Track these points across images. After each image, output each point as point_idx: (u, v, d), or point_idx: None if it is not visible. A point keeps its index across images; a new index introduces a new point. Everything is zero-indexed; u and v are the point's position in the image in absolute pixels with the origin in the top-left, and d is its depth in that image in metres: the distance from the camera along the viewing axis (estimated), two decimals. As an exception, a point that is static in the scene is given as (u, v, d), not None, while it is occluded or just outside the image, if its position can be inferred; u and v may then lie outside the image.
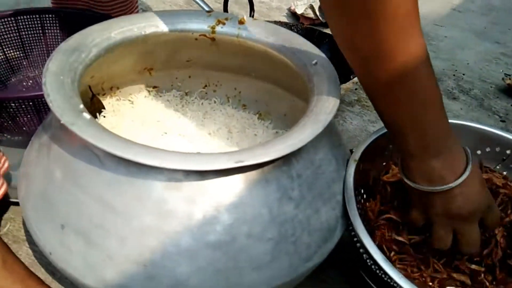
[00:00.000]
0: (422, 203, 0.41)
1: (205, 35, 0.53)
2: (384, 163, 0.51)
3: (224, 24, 0.52)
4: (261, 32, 0.51)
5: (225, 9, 0.93)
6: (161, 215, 0.34)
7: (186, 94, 0.66)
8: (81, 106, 0.36)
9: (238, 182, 0.35)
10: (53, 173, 0.37)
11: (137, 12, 0.78)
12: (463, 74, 1.02)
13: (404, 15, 0.33)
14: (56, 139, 0.39)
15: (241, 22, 0.53)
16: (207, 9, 0.87)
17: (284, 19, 1.18)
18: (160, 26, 0.50)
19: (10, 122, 0.58)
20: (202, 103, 0.65)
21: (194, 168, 0.32)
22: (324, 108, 0.39)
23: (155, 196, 0.34)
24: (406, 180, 0.40)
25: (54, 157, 0.38)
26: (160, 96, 0.64)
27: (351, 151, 0.52)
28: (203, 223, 0.34)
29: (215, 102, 0.66)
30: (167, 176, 0.34)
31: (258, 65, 0.58)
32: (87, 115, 0.35)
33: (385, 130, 0.45)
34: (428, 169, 0.38)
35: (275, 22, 0.96)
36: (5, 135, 0.63)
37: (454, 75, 1.01)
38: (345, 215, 0.41)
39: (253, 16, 0.99)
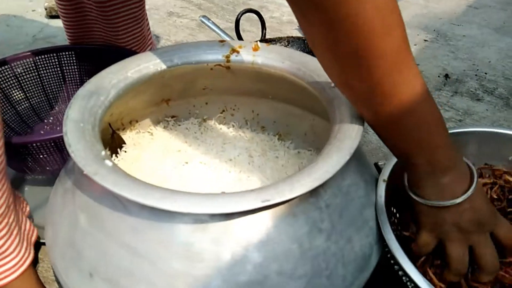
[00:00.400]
0: (432, 222, 0.40)
1: (220, 65, 0.53)
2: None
3: (238, 52, 0.52)
4: (276, 58, 0.51)
5: (237, 28, 0.93)
6: (188, 258, 0.34)
7: (204, 120, 0.66)
8: (103, 153, 0.36)
9: (265, 219, 0.34)
10: (78, 219, 0.37)
11: (151, 41, 0.79)
12: (486, 73, 0.99)
13: (396, 52, 0.32)
14: (80, 185, 0.39)
15: (255, 49, 0.52)
16: (219, 32, 0.88)
17: (296, 33, 1.18)
18: (175, 60, 0.50)
19: (33, 162, 0.59)
20: (221, 128, 0.65)
21: (220, 211, 0.31)
22: (348, 134, 0.38)
23: (181, 239, 0.34)
24: (415, 197, 0.40)
25: (79, 203, 0.38)
26: (179, 125, 0.64)
27: (376, 166, 0.51)
28: (232, 263, 0.34)
29: (233, 126, 0.65)
30: (192, 218, 0.33)
31: (275, 89, 0.57)
32: (109, 162, 0.35)
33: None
34: (438, 185, 0.38)
35: (288, 38, 0.96)
36: (29, 174, 0.64)
37: (476, 75, 0.98)
38: (380, 240, 0.40)
39: (265, 34, 0.99)
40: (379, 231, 0.40)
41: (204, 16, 0.92)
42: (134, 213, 0.34)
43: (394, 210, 0.46)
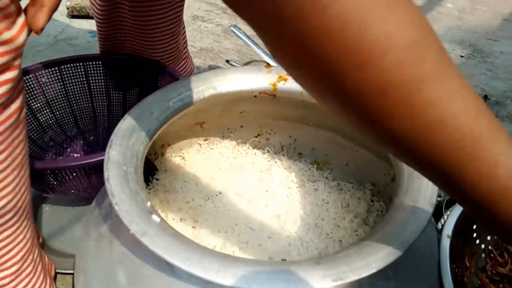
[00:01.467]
0: None
1: (265, 93, 0.49)
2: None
3: (286, 80, 0.48)
4: (328, 89, 0.47)
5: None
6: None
7: (238, 144, 0.62)
8: (148, 204, 0.32)
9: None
10: (116, 275, 0.34)
11: (187, 55, 0.75)
12: (527, 96, 0.94)
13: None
14: (118, 234, 0.35)
15: (304, 77, 0.48)
16: (250, 44, 0.84)
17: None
18: (218, 88, 0.46)
19: (57, 185, 0.56)
20: (255, 153, 0.61)
21: (284, 288, 0.27)
22: (422, 192, 0.33)
23: (234, 308, 0.30)
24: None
25: (117, 255, 0.34)
26: (212, 149, 0.60)
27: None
28: None
29: (268, 151, 0.61)
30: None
31: (321, 117, 0.53)
32: (156, 218, 0.31)
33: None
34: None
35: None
36: (50, 194, 0.61)
37: (517, 97, 0.93)
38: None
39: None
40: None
41: (234, 26, 0.88)
42: (182, 276, 0.31)
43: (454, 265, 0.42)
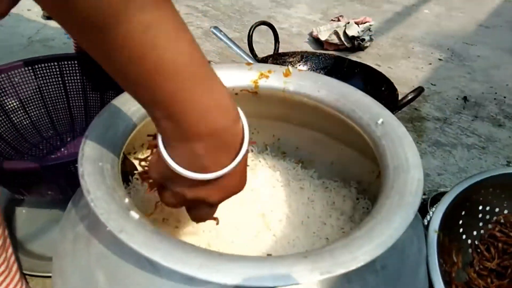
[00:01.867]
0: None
1: (247, 90, 0.48)
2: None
3: (267, 77, 0.47)
4: (310, 86, 0.46)
5: (250, 42, 0.89)
6: (226, 330, 0.28)
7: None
8: (126, 200, 0.31)
9: (316, 286, 0.29)
10: (94, 275, 0.32)
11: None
12: (505, 97, 0.96)
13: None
14: (96, 233, 0.33)
15: (286, 74, 0.47)
16: (231, 44, 0.83)
17: (307, 45, 1.13)
18: (200, 84, 0.45)
19: (31, 187, 0.53)
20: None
21: (271, 284, 0.26)
22: (408, 187, 0.33)
23: (219, 307, 0.28)
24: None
25: (95, 255, 0.32)
26: (193, 149, 0.58)
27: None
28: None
29: (252, 151, 0.60)
30: (234, 287, 0.28)
31: (304, 115, 0.53)
32: (134, 214, 0.29)
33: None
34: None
35: (302, 52, 0.91)
36: (26, 196, 0.58)
37: (495, 98, 0.95)
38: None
39: (278, 48, 0.94)
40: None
41: (215, 27, 0.87)
42: (164, 274, 0.29)
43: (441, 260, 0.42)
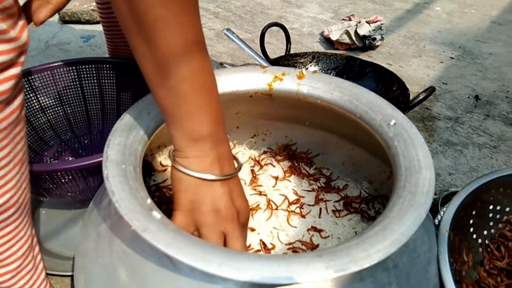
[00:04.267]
0: (189, 201, 0.37)
1: (261, 93, 0.49)
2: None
3: (281, 80, 0.48)
4: (324, 88, 0.47)
5: (262, 44, 0.90)
6: (244, 325, 0.30)
7: (234, 145, 0.62)
8: (149, 201, 0.32)
9: (330, 284, 0.30)
10: (117, 273, 0.33)
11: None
12: (517, 96, 0.95)
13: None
14: (118, 232, 0.35)
15: (299, 77, 0.48)
16: (244, 46, 0.84)
17: (318, 45, 1.14)
18: (215, 88, 0.46)
19: (54, 188, 0.55)
20: (252, 154, 0.61)
21: (287, 281, 0.27)
22: (420, 186, 0.34)
23: (237, 304, 0.30)
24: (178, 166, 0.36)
25: (117, 254, 0.34)
26: (208, 150, 0.60)
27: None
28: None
29: (265, 152, 0.61)
30: (252, 285, 0.29)
31: (316, 116, 0.54)
32: (157, 214, 0.31)
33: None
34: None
35: (313, 53, 0.92)
36: (46, 197, 0.60)
37: (507, 97, 0.95)
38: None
39: (289, 49, 0.95)
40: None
41: (228, 29, 0.88)
42: (184, 272, 0.31)
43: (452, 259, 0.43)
